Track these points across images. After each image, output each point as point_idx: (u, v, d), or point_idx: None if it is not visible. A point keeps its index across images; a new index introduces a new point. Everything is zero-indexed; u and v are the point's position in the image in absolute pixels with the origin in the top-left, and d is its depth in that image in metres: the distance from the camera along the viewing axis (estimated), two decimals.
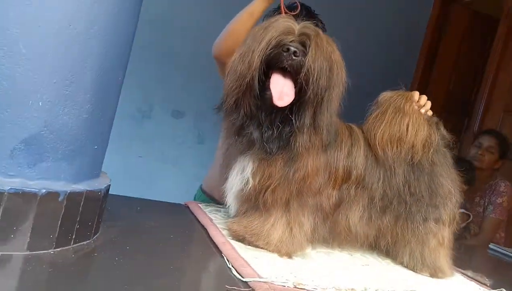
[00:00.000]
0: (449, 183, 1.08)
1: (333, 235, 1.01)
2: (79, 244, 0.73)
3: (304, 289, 0.77)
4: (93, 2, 0.69)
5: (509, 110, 2.94)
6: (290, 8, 1.12)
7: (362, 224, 1.01)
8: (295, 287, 0.76)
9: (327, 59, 0.89)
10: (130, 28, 0.80)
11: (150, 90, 2.98)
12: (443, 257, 1.08)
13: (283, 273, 0.82)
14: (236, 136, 0.95)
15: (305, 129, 0.89)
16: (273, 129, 0.89)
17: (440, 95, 3.43)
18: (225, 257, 0.85)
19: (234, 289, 0.71)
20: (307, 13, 1.33)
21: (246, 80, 0.89)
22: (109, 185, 0.82)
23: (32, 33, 0.64)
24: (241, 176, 0.96)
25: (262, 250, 0.93)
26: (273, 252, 0.93)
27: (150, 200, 1.20)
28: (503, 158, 2.46)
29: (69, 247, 0.71)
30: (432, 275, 1.06)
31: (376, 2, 3.41)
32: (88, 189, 0.73)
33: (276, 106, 0.87)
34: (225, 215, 1.17)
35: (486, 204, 2.42)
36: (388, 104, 1.07)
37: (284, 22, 0.91)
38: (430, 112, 1.14)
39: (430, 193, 1.05)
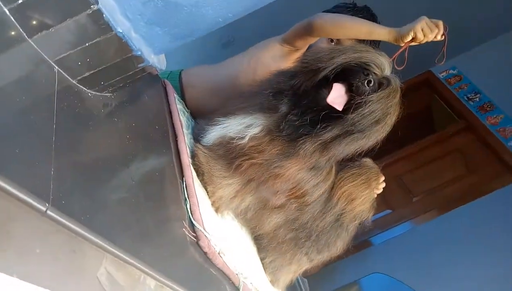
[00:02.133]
0: (340, 247, 1.31)
1: (252, 221, 1.16)
2: (105, 94, 0.70)
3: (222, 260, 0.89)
4: None
5: None
6: (400, 61, 1.14)
7: (272, 227, 1.18)
8: (219, 253, 0.88)
9: (383, 113, 0.94)
10: None
11: None
12: (285, 277, 1.36)
13: (215, 233, 0.92)
14: (270, 92, 0.98)
15: (317, 142, 0.94)
16: (300, 118, 0.94)
17: None
18: (184, 183, 0.91)
19: (186, 229, 0.79)
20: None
21: (320, 65, 0.93)
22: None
23: None
24: (242, 128, 1.00)
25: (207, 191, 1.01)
26: (211, 201, 1.02)
27: None
28: None
29: (101, 94, 0.68)
30: (271, 282, 1.32)
31: None
32: (156, 64, 0.70)
33: (324, 103, 0.91)
34: (187, 122, 1.19)
35: None
36: (365, 172, 1.24)
37: (384, 59, 0.96)
38: (375, 195, 1.34)
39: (325, 244, 1.27)
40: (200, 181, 1.01)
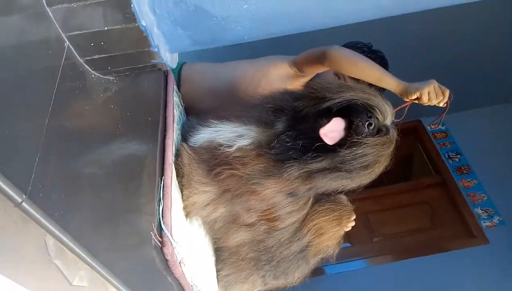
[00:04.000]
0: (298, 279, 1.31)
1: (218, 231, 1.14)
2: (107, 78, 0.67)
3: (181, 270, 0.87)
4: None
5: None
6: (399, 114, 1.15)
7: (235, 243, 1.17)
8: (180, 263, 0.86)
9: (374, 159, 0.94)
10: None
11: None
12: None
13: (181, 240, 0.90)
14: (271, 107, 0.96)
15: (303, 169, 0.92)
16: (293, 141, 0.92)
17: None
18: (162, 182, 0.89)
19: (154, 232, 0.76)
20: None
21: (327, 95, 0.93)
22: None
23: None
24: (233, 137, 0.98)
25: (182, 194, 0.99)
26: (184, 205, 1.00)
27: None
28: None
29: (103, 77, 0.65)
30: None
31: None
32: (168, 64, 0.67)
33: (317, 134, 0.90)
34: (179, 117, 1.16)
35: None
36: (339, 209, 1.24)
37: (388, 108, 0.96)
38: (343, 233, 1.34)
39: (283, 272, 1.26)
40: (178, 183, 0.99)
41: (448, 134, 3.64)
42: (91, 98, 0.59)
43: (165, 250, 0.78)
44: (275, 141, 0.92)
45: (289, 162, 0.91)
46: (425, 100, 1.11)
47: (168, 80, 1.15)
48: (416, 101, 1.13)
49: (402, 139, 3.69)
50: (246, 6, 0.57)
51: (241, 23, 0.60)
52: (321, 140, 0.88)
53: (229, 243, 1.18)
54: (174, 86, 1.19)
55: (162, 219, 0.82)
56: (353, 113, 0.89)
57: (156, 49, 0.58)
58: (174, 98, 1.15)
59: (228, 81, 1.32)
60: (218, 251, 1.25)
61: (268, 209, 1.09)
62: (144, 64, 0.61)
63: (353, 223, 1.33)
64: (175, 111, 1.12)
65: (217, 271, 1.27)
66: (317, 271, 3.25)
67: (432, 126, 1.14)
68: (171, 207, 0.87)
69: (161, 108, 1.04)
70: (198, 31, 0.60)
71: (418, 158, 3.88)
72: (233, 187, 0.98)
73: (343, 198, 1.29)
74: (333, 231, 1.25)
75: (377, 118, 0.91)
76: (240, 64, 1.35)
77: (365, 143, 0.88)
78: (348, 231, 1.31)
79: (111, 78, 0.67)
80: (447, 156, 3.51)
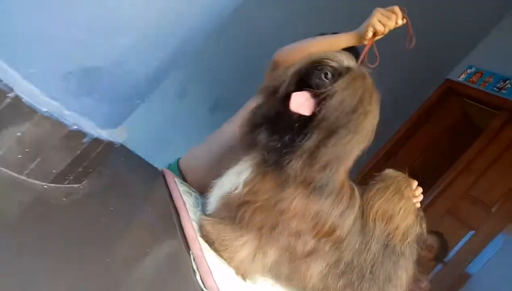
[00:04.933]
0: (405, 277, 1.13)
1: (289, 276, 1.03)
2: (72, 185, 0.69)
3: None
4: None
5: (451, 213, 3.17)
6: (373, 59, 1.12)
7: (318, 278, 1.04)
8: None
9: (355, 100, 0.87)
10: None
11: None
12: None
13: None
14: (247, 130, 0.94)
15: (302, 155, 0.86)
16: (279, 141, 0.88)
17: (403, 168, 3.59)
18: (192, 255, 0.85)
19: None
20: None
21: (276, 84, 0.91)
22: (124, 139, 0.78)
23: None
24: (235, 178, 0.95)
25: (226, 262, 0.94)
26: (233, 268, 0.94)
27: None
28: (436, 261, 2.68)
29: (62, 186, 0.67)
30: None
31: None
32: (110, 139, 0.70)
33: (295, 116, 0.86)
34: (196, 201, 1.16)
35: None
36: (392, 183, 1.11)
37: (339, 54, 0.91)
38: (418, 205, 1.19)
39: (385, 279, 1.10)
40: (214, 250, 0.94)
41: (482, 72, 3.40)
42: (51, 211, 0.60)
43: None
44: (266, 153, 0.89)
45: (286, 159, 0.86)
46: (380, 29, 1.06)
47: (166, 175, 1.18)
48: (377, 37, 1.09)
49: (446, 106, 3.54)
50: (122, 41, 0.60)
51: (132, 60, 0.63)
52: (298, 119, 0.85)
53: (311, 282, 1.06)
54: (175, 178, 1.21)
55: (204, 285, 0.77)
56: (307, 79, 0.86)
57: (76, 127, 0.60)
58: (180, 187, 1.16)
59: (221, 148, 1.33)
60: None
61: (316, 223, 1.00)
62: (81, 148, 0.63)
63: (419, 190, 1.18)
64: (185, 197, 1.12)
65: None
66: (463, 277, 2.84)
67: (409, 46, 1.06)
68: (211, 272, 0.82)
69: (168, 198, 1.05)
70: (103, 91, 0.63)
71: (473, 110, 3.60)
72: (263, 221, 0.92)
73: (389, 171, 1.16)
74: (400, 207, 1.11)
75: (330, 66, 0.87)
76: (223, 126, 1.38)
77: (334, 91, 0.83)
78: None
79: (75, 185, 0.70)
80: (496, 89, 3.23)
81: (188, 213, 1.01)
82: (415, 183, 1.17)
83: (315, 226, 0.99)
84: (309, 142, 0.85)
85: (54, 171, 0.63)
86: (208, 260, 0.86)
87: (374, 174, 1.16)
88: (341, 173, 0.95)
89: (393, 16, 1.06)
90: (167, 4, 0.62)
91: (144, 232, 0.84)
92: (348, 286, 1.08)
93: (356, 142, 0.88)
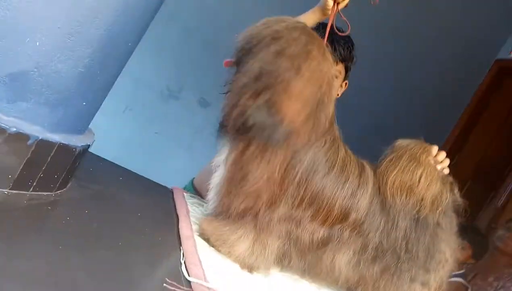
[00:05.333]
0: (448, 251, 1.01)
1: (313, 270, 0.96)
2: (38, 193, 0.72)
3: None
4: None
5: None
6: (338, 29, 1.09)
7: (348, 268, 0.96)
8: None
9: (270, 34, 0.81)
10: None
11: (184, 73, 3.00)
12: None
13: (232, 283, 0.78)
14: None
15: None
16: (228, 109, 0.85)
17: (472, 161, 3.28)
18: (182, 250, 0.82)
19: (173, 284, 0.68)
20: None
21: None
22: (89, 144, 0.80)
23: None
24: (223, 166, 0.93)
25: (226, 257, 0.89)
26: (234, 262, 0.89)
27: (139, 175, 1.18)
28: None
29: (26, 192, 0.70)
30: None
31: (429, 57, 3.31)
32: (63, 141, 0.72)
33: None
34: (206, 211, 1.14)
35: (499, 287, 2.32)
36: (404, 151, 1.02)
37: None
38: (447, 171, 1.07)
39: (426, 255, 0.98)
40: (212, 247, 0.90)
41: None
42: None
43: None
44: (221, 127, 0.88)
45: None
46: None
47: (174, 191, 1.18)
48: (341, 6, 1.05)
49: (504, 89, 3.25)
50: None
51: (58, 60, 0.66)
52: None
53: (342, 274, 0.95)
54: (186, 193, 1.21)
55: (188, 273, 0.73)
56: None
57: (15, 129, 0.63)
58: (189, 200, 1.16)
59: None
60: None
61: (319, 208, 0.91)
62: (29, 151, 0.66)
63: (442, 154, 1.06)
64: (194, 207, 1.11)
65: None
66: None
67: (374, 3, 0.99)
68: (201, 263, 0.79)
69: (173, 210, 1.05)
70: (37, 94, 0.66)
71: None
72: (245, 207, 0.87)
73: (399, 140, 1.05)
74: (420, 175, 0.98)
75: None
76: None
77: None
78: None
79: (45, 193, 0.73)
80: None
81: (189, 219, 1.00)
82: (435, 147, 1.06)
83: (318, 211, 0.91)
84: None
85: (9, 176, 0.67)
86: (201, 255, 0.83)
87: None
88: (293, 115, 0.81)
89: None
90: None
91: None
92: (386, 270, 0.98)
93: (281, 69, 0.78)
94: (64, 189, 0.80)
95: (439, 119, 3.28)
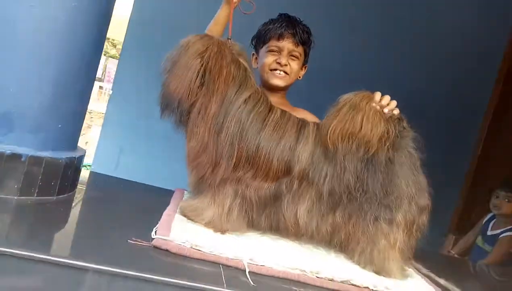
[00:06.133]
0: (409, 185, 1.06)
1: (279, 225, 1.07)
2: (41, 197, 0.98)
3: (200, 250, 0.88)
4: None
5: None
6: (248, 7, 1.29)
7: (311, 218, 1.05)
8: (192, 248, 0.88)
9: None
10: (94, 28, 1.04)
11: None
12: (393, 260, 1.06)
13: (197, 238, 0.93)
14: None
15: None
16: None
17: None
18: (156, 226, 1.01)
19: (136, 240, 0.87)
20: (288, 20, 1.46)
21: None
22: (74, 157, 1.06)
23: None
24: None
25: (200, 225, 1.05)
26: (207, 227, 1.04)
27: (141, 182, 1.42)
28: None
29: (31, 198, 0.97)
30: (377, 274, 1.05)
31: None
32: (50, 156, 0.99)
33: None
34: None
35: None
36: (345, 103, 1.10)
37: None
38: (396, 111, 1.15)
39: (383, 192, 1.04)
40: (189, 219, 1.07)
41: None
42: None
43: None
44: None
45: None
46: None
47: (176, 190, 1.39)
48: None
49: None
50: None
51: (29, 97, 0.94)
52: None
53: (309, 227, 1.05)
54: (186, 191, 1.42)
55: (155, 233, 0.91)
56: None
57: (10, 151, 0.92)
58: (185, 196, 1.36)
59: None
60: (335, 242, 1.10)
61: (260, 163, 1.04)
62: (23, 167, 0.94)
63: (386, 98, 1.14)
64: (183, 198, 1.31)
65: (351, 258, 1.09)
66: None
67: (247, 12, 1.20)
68: (170, 227, 0.97)
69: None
70: (20, 124, 0.94)
71: None
72: (198, 171, 1.06)
73: (343, 95, 1.13)
74: (361, 120, 1.06)
75: None
76: None
77: None
78: None
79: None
80: None
81: (176, 204, 1.19)
82: (378, 93, 1.14)
83: (258, 169, 1.04)
84: None
85: (15, 186, 0.94)
86: (177, 224, 1.01)
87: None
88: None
89: None
90: None
91: None
92: (351, 215, 1.05)
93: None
94: (65, 195, 1.06)
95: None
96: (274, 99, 1.54)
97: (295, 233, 1.08)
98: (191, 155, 1.05)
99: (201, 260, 0.87)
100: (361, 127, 1.06)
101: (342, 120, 1.07)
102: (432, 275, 1.25)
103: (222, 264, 0.87)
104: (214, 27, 1.34)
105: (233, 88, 1.06)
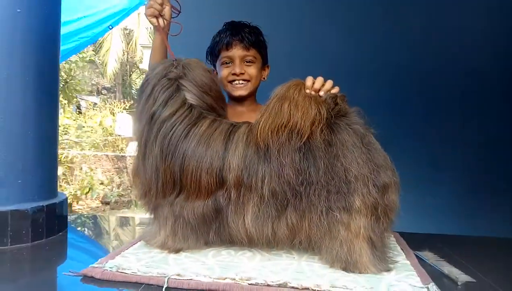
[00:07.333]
0: (359, 165, 0.94)
1: (234, 238, 1.03)
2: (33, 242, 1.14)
3: (122, 272, 0.89)
4: None
5: None
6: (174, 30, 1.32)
7: (262, 224, 0.98)
8: (117, 272, 0.90)
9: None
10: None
11: None
12: (360, 250, 0.94)
13: (139, 262, 0.96)
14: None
15: None
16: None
17: None
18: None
19: (71, 271, 0.91)
20: (233, 28, 1.47)
21: None
22: (42, 205, 1.17)
23: None
24: None
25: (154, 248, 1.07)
26: (162, 249, 1.05)
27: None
28: None
29: (25, 244, 1.13)
30: (345, 270, 0.95)
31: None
32: (14, 208, 1.12)
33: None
34: None
35: None
36: (274, 96, 1.03)
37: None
38: (335, 90, 1.06)
39: (330, 180, 0.94)
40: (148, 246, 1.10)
41: None
42: None
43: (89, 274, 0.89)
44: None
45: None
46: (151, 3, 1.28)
47: None
48: (167, 15, 1.30)
49: None
50: None
51: None
52: None
53: (263, 233, 0.98)
54: None
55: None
56: None
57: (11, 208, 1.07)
58: None
59: None
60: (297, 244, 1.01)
61: (188, 183, 1.02)
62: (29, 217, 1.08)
63: (318, 81, 1.05)
64: None
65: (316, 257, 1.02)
66: None
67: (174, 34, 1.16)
68: (117, 254, 1.02)
69: None
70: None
71: None
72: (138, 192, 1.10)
73: (275, 89, 1.05)
74: (289, 109, 0.99)
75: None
76: None
77: None
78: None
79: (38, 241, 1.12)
80: None
81: None
82: (309, 78, 1.06)
83: (187, 189, 1.02)
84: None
85: (23, 231, 1.11)
86: (131, 250, 1.07)
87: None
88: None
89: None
90: None
91: None
92: (305, 211, 0.96)
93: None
94: (55, 236, 1.21)
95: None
96: (244, 108, 1.53)
97: (249, 242, 1.02)
98: (130, 175, 1.11)
99: (125, 282, 0.88)
100: (290, 116, 0.98)
101: (270, 114, 1.00)
102: (442, 263, 1.05)
103: (144, 283, 0.87)
104: (153, 55, 1.36)
105: (158, 108, 1.06)
